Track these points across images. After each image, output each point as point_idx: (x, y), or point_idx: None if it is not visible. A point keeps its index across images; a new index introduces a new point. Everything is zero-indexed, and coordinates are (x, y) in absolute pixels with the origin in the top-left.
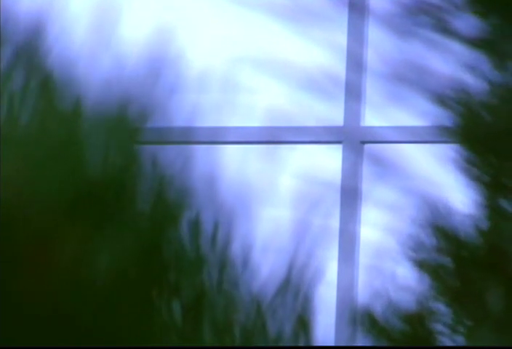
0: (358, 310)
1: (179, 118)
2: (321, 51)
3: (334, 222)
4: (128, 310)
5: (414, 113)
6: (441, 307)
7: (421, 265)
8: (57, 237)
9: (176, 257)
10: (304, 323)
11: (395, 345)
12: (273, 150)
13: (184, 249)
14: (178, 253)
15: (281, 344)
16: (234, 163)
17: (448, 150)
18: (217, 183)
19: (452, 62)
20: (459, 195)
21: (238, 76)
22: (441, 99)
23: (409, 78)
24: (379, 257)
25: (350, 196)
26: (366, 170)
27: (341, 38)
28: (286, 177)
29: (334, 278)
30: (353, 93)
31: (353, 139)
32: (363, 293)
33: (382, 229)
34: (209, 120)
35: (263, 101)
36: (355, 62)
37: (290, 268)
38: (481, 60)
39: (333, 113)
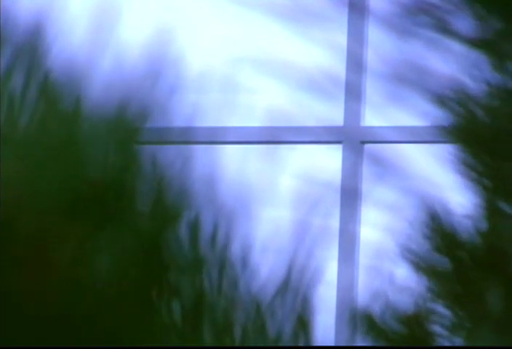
0: (358, 311)
1: (179, 118)
2: (321, 51)
3: (334, 222)
4: (128, 310)
5: (414, 113)
6: (440, 308)
7: (420, 265)
8: (57, 237)
9: (176, 257)
10: (304, 323)
11: (394, 346)
12: (273, 150)
13: (184, 249)
14: (178, 253)
15: (280, 344)
16: (234, 164)
17: (447, 151)
18: (217, 183)
19: (452, 63)
20: (458, 196)
21: (238, 76)
22: (440, 100)
23: (408, 79)
24: (378, 257)
25: (350, 196)
26: (366, 170)
27: (341, 38)
28: (286, 177)
29: (334, 278)
30: (353, 93)
31: (353, 139)
32: (362, 293)
33: (381, 229)
34: (209, 120)
35: (263, 101)
36: (355, 62)
37: (290, 268)
38: (481, 60)
39: (333, 113)
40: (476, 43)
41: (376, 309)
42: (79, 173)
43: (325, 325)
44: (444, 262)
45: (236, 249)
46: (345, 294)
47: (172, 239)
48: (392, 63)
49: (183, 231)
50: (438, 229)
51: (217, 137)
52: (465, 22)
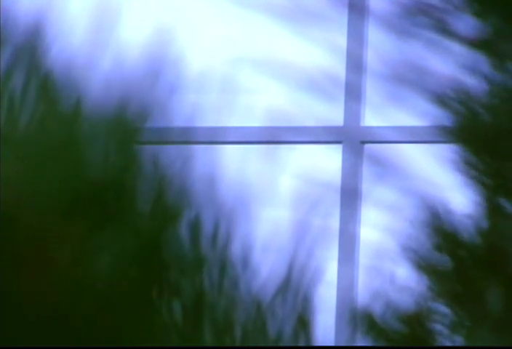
0: (358, 311)
1: (179, 118)
2: (320, 51)
3: (334, 223)
4: (128, 310)
5: (414, 113)
6: (440, 307)
7: (420, 265)
8: (57, 237)
9: (176, 257)
10: (304, 323)
11: (394, 346)
12: (273, 150)
13: (184, 249)
14: (178, 253)
15: (281, 344)
16: (234, 163)
17: (447, 150)
18: (217, 183)
19: (452, 63)
20: (458, 195)
21: (238, 76)
22: (440, 100)
23: (408, 79)
24: (378, 257)
25: (350, 196)
26: (366, 170)
27: (341, 38)
28: (285, 177)
29: (334, 278)
30: (353, 93)
31: (353, 139)
32: (363, 293)
33: (381, 229)
34: (208, 120)
35: (263, 101)
36: (355, 63)
37: (290, 268)
38: (481, 61)
39: (333, 113)
40: (475, 43)
41: (376, 308)
42: (79, 173)
43: (325, 325)
44: (444, 261)
45: (236, 249)
46: (345, 294)
47: (172, 239)
48: (392, 63)
49: (183, 231)
50: (439, 228)
51: (217, 137)
52: (464, 23)
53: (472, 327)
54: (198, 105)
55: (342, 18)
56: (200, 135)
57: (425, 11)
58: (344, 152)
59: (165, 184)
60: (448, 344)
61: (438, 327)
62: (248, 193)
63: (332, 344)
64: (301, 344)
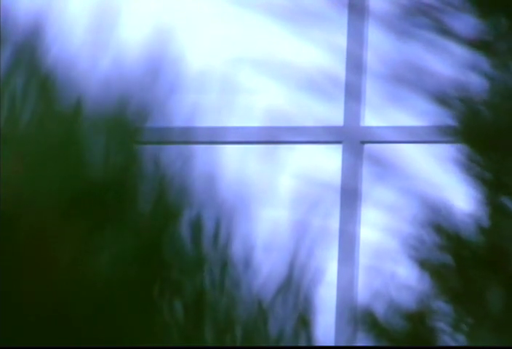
0: (359, 310)
1: (179, 118)
2: (320, 51)
3: (334, 223)
4: (129, 309)
5: (414, 113)
6: (442, 306)
7: (422, 263)
8: (57, 237)
9: (177, 256)
10: (304, 322)
11: (395, 345)
12: (273, 150)
13: (185, 249)
14: (179, 252)
15: (281, 343)
16: (234, 163)
17: (448, 150)
18: (217, 183)
19: (451, 63)
20: (460, 194)
21: (238, 77)
22: (440, 99)
23: (408, 79)
24: (379, 257)
25: (349, 196)
26: (366, 170)
27: (341, 38)
28: (285, 177)
29: (334, 278)
30: (353, 93)
31: (353, 139)
32: (363, 293)
33: (382, 229)
34: (208, 120)
35: (262, 101)
36: (354, 63)
37: (290, 268)
38: (480, 61)
39: (333, 113)
40: (475, 43)
41: (378, 307)
42: (79, 173)
43: (325, 325)
44: (445, 260)
45: (236, 249)
46: (345, 294)
47: (172, 238)
48: (391, 64)
49: (184, 230)
50: (441, 227)
51: (217, 137)
52: (464, 23)
53: (473, 326)
54: (198, 105)
55: (342, 18)
56: (200, 135)
57: (424, 12)
58: (344, 152)
59: (165, 184)
60: (449, 343)
61: (439, 326)
62: (248, 193)
63: (332, 344)
64: (301, 343)
